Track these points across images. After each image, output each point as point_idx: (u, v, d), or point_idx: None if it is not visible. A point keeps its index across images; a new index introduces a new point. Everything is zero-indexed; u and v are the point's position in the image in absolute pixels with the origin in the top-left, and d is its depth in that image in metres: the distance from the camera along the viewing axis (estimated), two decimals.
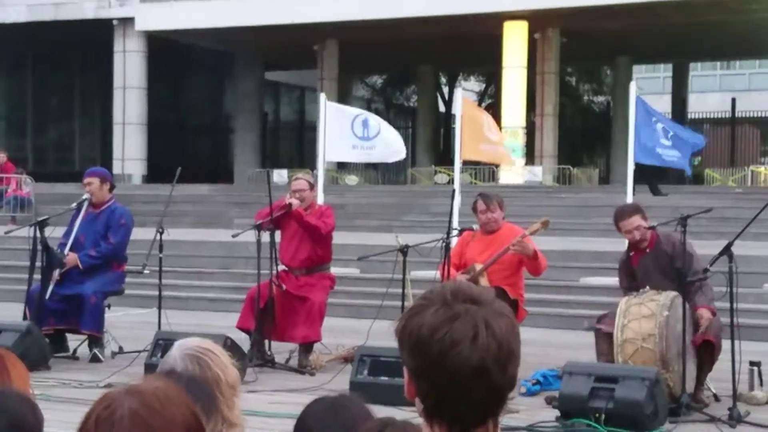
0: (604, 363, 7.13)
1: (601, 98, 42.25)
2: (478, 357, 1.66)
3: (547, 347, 9.54)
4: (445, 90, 40.30)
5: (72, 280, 8.94)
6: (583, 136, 39.74)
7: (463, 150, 11.19)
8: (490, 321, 1.68)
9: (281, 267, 8.86)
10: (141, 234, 10.04)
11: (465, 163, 12.49)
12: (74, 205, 9.23)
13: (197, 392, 2.31)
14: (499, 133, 11.25)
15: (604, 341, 7.25)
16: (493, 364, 1.67)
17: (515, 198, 18.79)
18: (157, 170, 26.05)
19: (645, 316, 6.99)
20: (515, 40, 26.05)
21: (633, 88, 10.67)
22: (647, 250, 7.49)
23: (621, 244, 9.93)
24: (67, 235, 9.14)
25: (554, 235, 13.39)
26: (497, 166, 24.95)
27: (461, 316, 1.67)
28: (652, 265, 7.44)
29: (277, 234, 8.79)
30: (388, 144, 11.19)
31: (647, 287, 7.28)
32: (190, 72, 35.32)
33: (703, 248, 7.85)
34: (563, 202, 20.91)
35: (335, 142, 11.12)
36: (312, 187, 9.02)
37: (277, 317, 8.54)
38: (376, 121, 11.28)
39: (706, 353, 7.20)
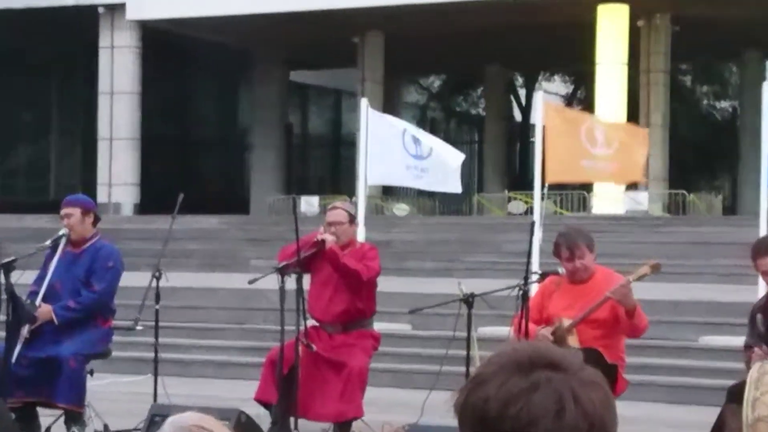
0: None
1: (725, 104, 42.02)
2: None
3: (655, 426, 9.46)
4: (522, 93, 40.37)
5: (45, 339, 9.02)
6: (702, 153, 39.52)
7: (549, 170, 11.13)
8: (579, 392, 1.69)
9: (311, 322, 8.88)
10: (133, 280, 10.13)
11: (549, 187, 12.44)
12: (48, 242, 9.33)
13: None
14: (614, 140, 11.04)
15: (734, 419, 7.17)
16: None
17: (613, 233, 18.71)
18: (154, 198, 26.30)
19: None
20: (612, 29, 26.06)
21: (766, 89, 10.61)
22: None
23: (753, 293, 9.86)
24: (39, 281, 9.24)
25: (664, 281, 13.29)
26: (588, 190, 24.85)
27: (541, 387, 1.68)
28: None
29: (306, 279, 8.83)
30: (444, 166, 11.15)
31: None
32: (196, 74, 35.73)
33: None
34: (676, 237, 20.78)
35: (381, 160, 11.15)
36: (352, 219, 9.05)
37: (305, 387, 8.56)
38: (427, 138, 11.30)
39: None
